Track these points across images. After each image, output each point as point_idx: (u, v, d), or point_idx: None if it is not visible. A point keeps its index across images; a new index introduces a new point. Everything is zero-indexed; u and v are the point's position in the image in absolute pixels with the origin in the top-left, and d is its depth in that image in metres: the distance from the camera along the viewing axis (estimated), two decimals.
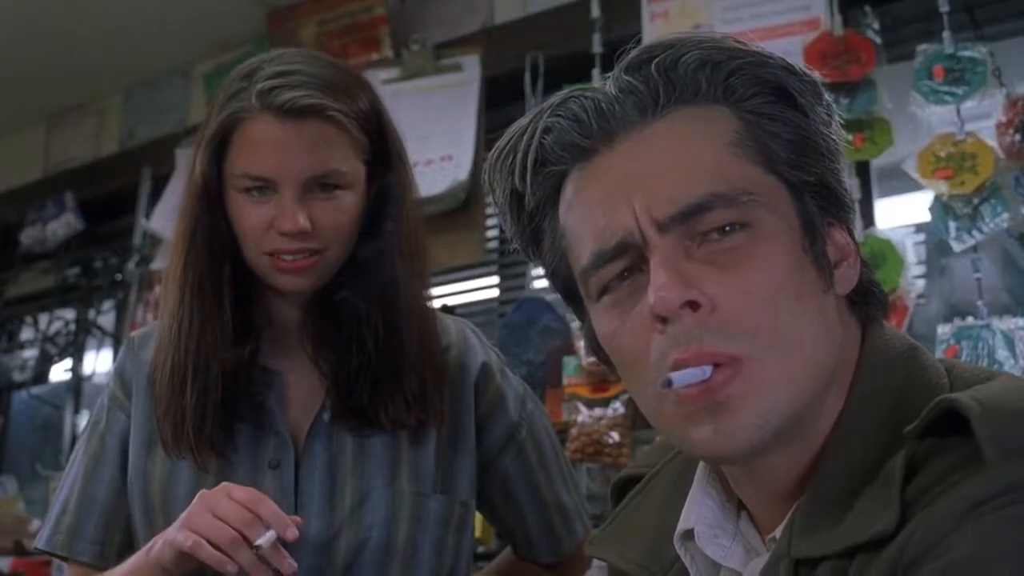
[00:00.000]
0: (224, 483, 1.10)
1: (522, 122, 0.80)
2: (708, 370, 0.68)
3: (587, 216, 0.76)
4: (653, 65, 0.75)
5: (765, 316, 0.69)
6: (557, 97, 0.78)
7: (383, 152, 1.22)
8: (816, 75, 0.77)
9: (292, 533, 1.07)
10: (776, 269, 0.71)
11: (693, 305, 0.69)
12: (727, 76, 0.75)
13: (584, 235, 0.76)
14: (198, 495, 1.09)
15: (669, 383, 0.68)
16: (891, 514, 0.64)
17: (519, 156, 0.79)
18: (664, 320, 0.70)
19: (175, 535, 1.07)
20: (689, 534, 0.81)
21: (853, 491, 0.69)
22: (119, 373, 1.30)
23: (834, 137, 0.77)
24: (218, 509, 1.06)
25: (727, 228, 0.71)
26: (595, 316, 0.77)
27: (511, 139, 0.80)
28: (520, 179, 0.79)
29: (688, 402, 0.70)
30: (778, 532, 0.73)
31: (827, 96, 0.78)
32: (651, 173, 0.72)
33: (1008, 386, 0.67)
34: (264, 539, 1.05)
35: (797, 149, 0.74)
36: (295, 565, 1.08)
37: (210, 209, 1.19)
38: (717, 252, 0.71)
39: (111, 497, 1.25)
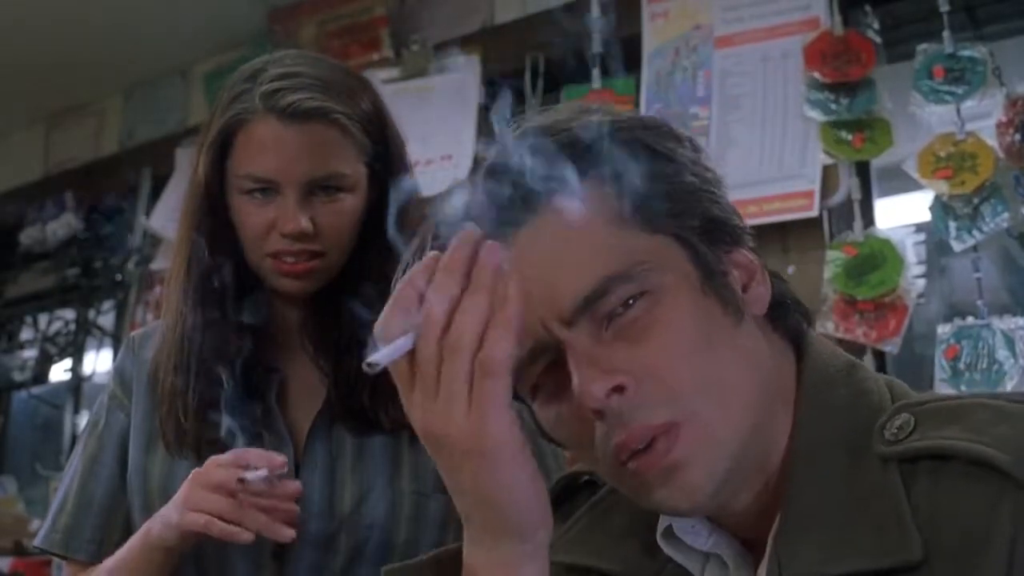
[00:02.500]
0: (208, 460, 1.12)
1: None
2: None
3: None
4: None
5: (685, 373, 0.72)
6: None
7: (385, 154, 1.22)
8: (669, 118, 0.80)
9: (280, 459, 1.09)
10: (682, 325, 0.73)
11: (619, 389, 0.71)
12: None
13: None
14: (189, 475, 1.11)
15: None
16: (915, 542, 0.67)
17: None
18: (599, 412, 0.72)
19: (179, 518, 1.08)
20: (670, 530, 0.82)
21: (834, 512, 0.72)
22: (119, 372, 1.31)
23: (703, 167, 0.78)
24: (211, 479, 1.08)
25: (630, 301, 0.72)
26: (536, 411, 0.79)
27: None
28: None
29: (642, 473, 0.73)
30: (763, 571, 0.75)
31: (683, 132, 0.80)
32: (543, 275, 0.73)
33: (986, 416, 0.70)
34: (253, 475, 1.07)
35: (672, 197, 0.75)
36: (299, 486, 1.11)
37: (212, 210, 1.19)
38: (624, 327, 0.72)
39: (109, 496, 1.26)
